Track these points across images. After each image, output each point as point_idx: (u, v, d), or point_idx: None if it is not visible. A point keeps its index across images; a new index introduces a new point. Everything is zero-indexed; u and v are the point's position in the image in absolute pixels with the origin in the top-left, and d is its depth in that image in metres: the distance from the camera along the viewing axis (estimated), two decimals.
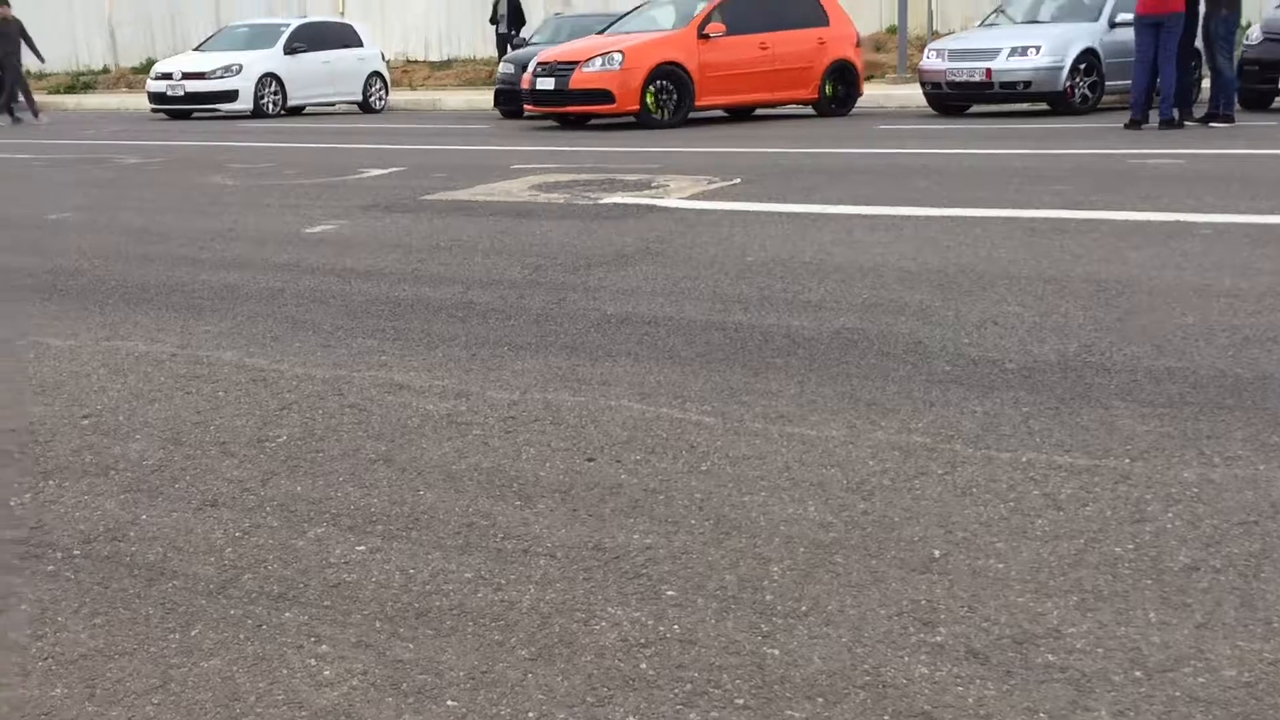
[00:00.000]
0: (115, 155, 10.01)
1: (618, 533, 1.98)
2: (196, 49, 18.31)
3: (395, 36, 24.88)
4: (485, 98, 16.74)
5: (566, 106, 12.34)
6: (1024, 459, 2.25)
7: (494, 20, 20.30)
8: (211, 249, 5.08)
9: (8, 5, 16.97)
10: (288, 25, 17.78)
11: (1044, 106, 12.01)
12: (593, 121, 12.53)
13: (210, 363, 3.16)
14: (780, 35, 12.94)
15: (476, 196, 6.54)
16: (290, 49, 17.11)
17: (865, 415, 2.54)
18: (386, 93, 18.78)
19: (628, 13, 13.92)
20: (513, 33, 19.32)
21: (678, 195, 6.28)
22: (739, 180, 6.86)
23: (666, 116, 12.10)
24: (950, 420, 2.48)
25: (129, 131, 13.87)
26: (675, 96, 12.18)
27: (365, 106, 18.25)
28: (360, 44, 18.49)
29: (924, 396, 2.65)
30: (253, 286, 4.20)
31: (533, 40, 16.24)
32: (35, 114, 16.80)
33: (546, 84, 12.30)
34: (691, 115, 12.40)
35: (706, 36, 12.32)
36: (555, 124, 12.77)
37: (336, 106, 18.39)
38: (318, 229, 5.55)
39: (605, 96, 11.93)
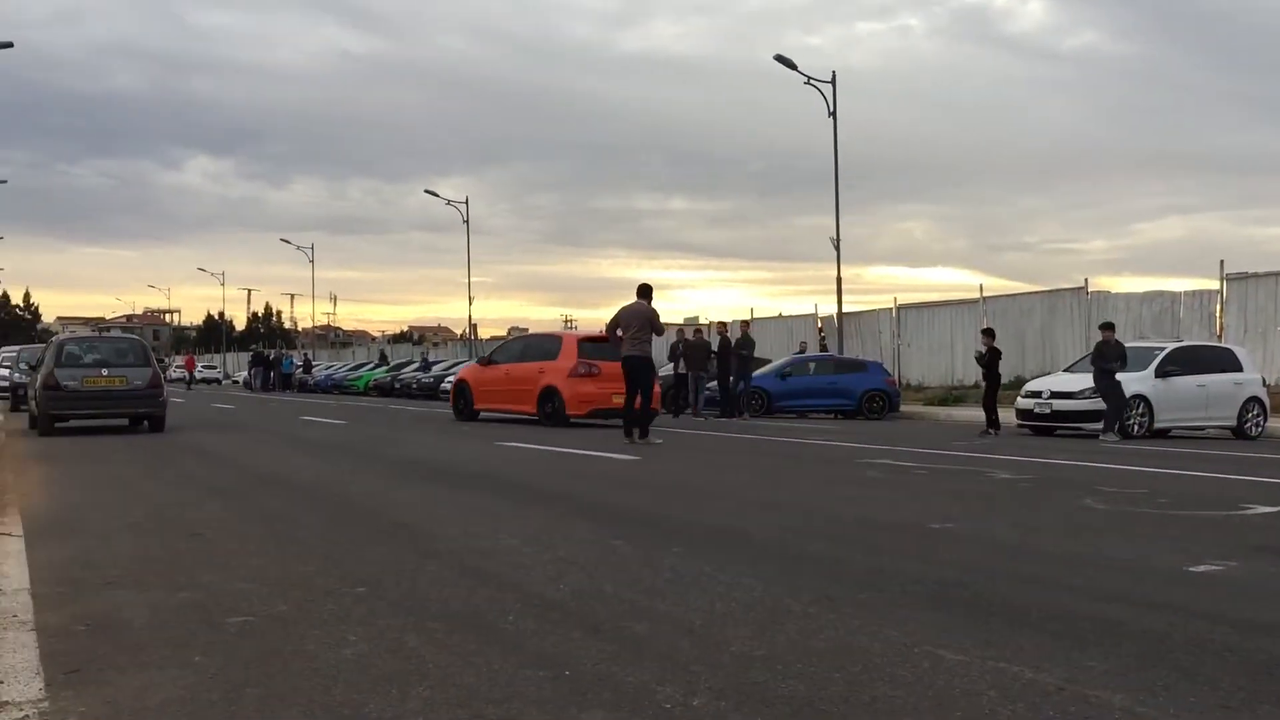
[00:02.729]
0: (988, 469, 10.59)
1: None
2: (1067, 369, 18.95)
3: (1278, 361, 23.40)
4: None
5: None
6: None
7: None
8: (1087, 576, 5.03)
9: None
10: (1163, 349, 17.62)
11: None
12: None
13: (1099, 704, 3.06)
14: (520, 366, 19.36)
15: None
16: (1163, 372, 16.88)
17: None
18: (1265, 419, 17.54)
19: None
20: None
21: None
22: None
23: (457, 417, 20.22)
24: None
25: (999, 446, 14.63)
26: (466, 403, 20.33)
27: (1239, 433, 17.20)
28: (1239, 368, 17.65)
29: None
30: (1135, 624, 4.05)
31: None
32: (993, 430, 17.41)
33: None
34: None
35: (484, 363, 20.79)
36: None
37: (1206, 431, 17.59)
38: (1201, 568, 5.22)
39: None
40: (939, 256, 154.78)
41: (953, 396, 27.38)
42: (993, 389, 18.05)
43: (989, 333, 19.34)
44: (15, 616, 4.22)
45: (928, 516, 7.08)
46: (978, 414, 21.78)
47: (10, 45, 29.54)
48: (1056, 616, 4.19)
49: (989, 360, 18.30)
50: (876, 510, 7.54)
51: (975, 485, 9.26)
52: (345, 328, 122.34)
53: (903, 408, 24.68)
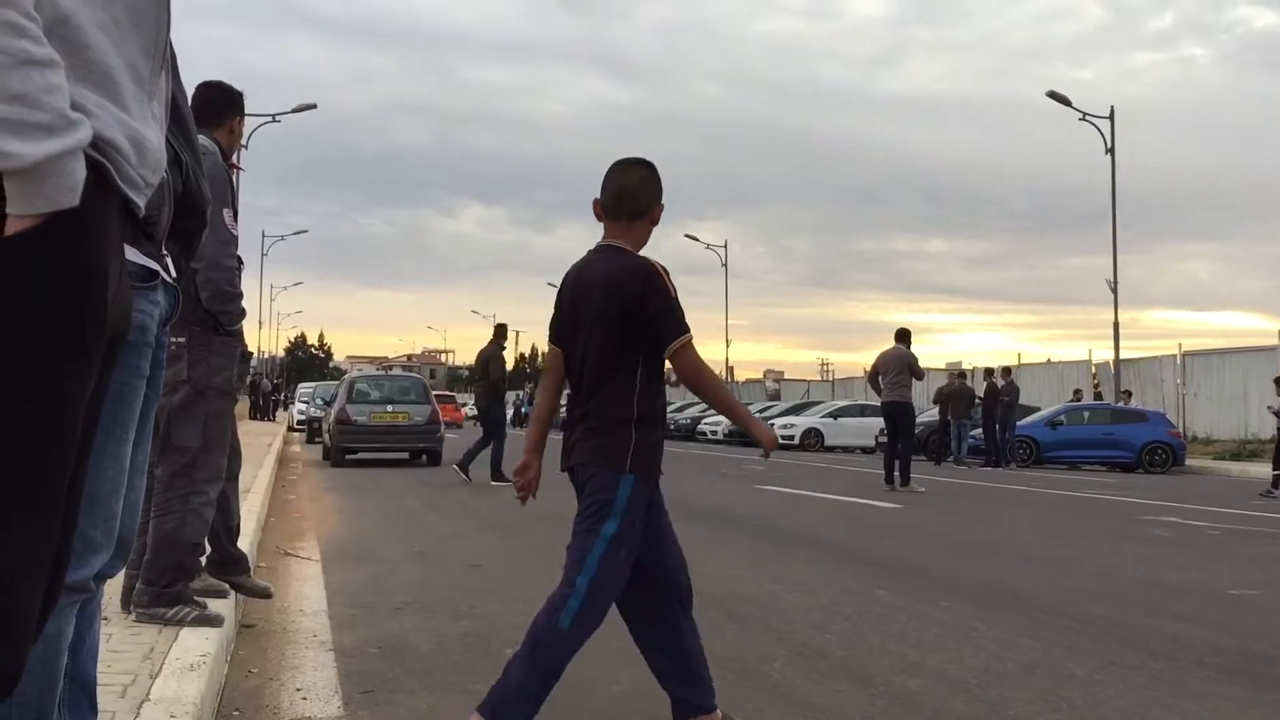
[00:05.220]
0: None
1: None
2: None
3: None
4: None
5: None
6: None
7: None
8: None
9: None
10: None
11: None
12: None
13: None
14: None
15: None
16: None
17: None
18: None
19: None
20: None
21: None
22: None
23: None
24: None
25: None
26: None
27: None
28: None
29: None
30: None
31: None
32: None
33: None
34: None
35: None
36: None
37: None
38: None
39: None
40: (1226, 300, 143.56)
41: (1246, 451, 25.22)
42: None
43: None
44: (315, 636, 4.55)
45: (1225, 581, 6.54)
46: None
47: (314, 107, 32.31)
48: None
49: None
50: (1165, 572, 7.03)
51: (1278, 549, 8.48)
52: None
53: (1188, 462, 22.98)
